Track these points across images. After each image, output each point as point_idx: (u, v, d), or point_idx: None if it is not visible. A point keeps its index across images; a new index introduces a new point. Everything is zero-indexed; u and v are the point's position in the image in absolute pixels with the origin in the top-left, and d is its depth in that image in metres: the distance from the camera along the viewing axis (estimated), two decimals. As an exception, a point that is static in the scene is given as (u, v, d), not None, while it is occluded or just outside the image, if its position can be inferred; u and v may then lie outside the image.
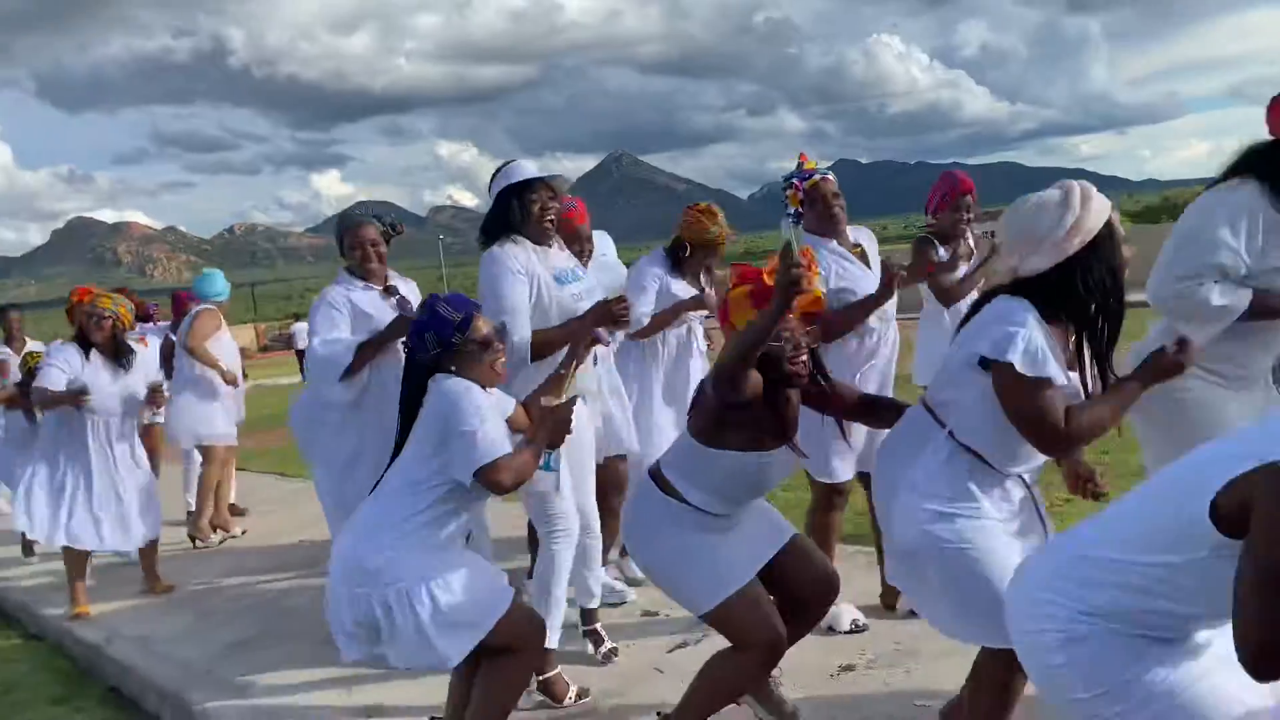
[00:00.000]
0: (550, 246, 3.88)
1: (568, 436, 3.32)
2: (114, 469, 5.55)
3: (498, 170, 3.92)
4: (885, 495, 2.73)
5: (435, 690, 3.77)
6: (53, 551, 7.09)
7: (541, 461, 3.20)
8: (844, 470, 4.07)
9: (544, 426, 3.15)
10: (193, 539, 6.89)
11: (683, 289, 4.74)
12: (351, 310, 4.21)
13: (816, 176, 4.16)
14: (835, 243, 4.10)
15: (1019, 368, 2.43)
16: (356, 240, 4.32)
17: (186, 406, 6.71)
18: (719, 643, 3.84)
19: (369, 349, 4.13)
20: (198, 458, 7.20)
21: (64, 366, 5.35)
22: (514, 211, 3.78)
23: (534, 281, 3.73)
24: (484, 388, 3.11)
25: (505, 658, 3.06)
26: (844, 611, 4.00)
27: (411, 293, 4.43)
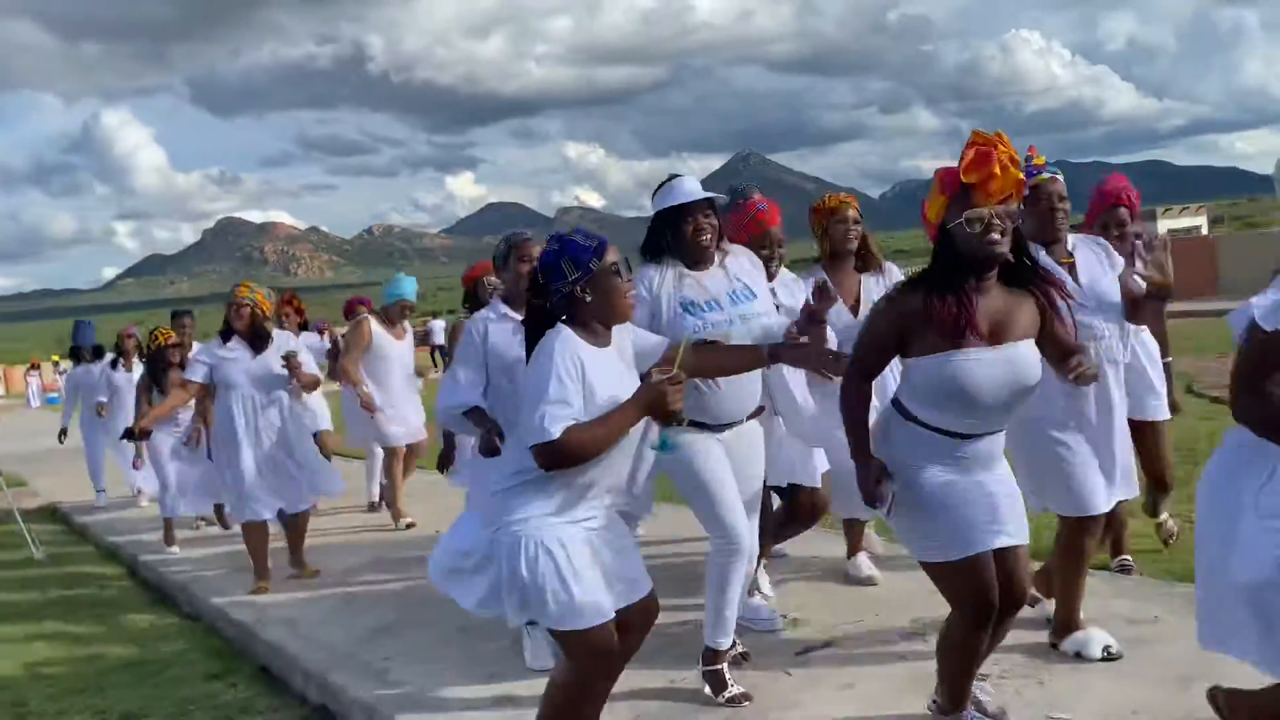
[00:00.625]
0: (707, 268, 3.72)
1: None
2: (269, 438, 5.93)
3: (660, 186, 3.81)
4: (1222, 530, 2.50)
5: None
6: (204, 537, 7.54)
7: (654, 441, 2.96)
8: (1099, 499, 3.70)
9: (639, 399, 2.85)
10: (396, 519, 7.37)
11: (838, 309, 4.29)
12: (485, 346, 4.13)
13: (1045, 174, 3.83)
14: (1045, 252, 3.72)
15: None
16: (524, 255, 4.20)
17: (356, 410, 7.15)
18: (845, 649, 3.81)
19: (477, 420, 4.09)
20: (379, 452, 7.70)
21: (206, 357, 5.94)
22: (665, 236, 3.70)
23: (658, 304, 3.63)
24: (616, 323, 2.99)
25: (569, 664, 2.94)
26: (1094, 638, 3.70)
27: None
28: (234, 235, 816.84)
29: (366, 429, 7.34)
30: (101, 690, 4.71)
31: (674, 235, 3.67)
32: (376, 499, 8.01)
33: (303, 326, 7.93)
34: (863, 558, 4.97)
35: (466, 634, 4.65)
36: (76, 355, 10.14)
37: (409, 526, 7.25)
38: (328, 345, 8.03)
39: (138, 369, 9.24)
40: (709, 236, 3.68)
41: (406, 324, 7.47)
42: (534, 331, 2.96)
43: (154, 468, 7.62)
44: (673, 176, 3.79)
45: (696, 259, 3.69)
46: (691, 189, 3.68)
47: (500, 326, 4.14)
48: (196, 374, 5.93)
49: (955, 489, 2.91)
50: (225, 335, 5.93)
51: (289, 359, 5.80)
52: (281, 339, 6.03)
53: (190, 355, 6.26)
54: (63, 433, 10.37)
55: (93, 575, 7.28)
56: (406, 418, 7.29)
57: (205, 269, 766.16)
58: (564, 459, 2.74)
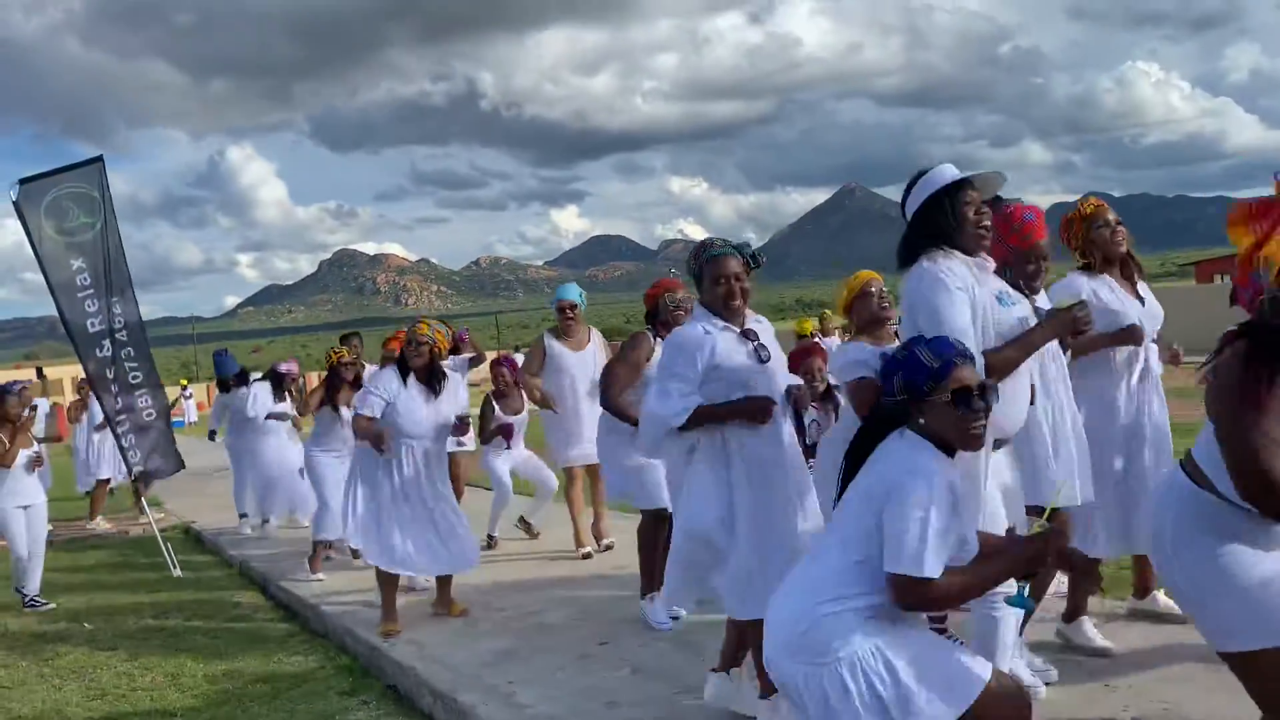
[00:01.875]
0: (984, 259, 3.38)
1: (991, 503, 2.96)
2: (425, 494, 5.70)
3: (914, 181, 3.40)
4: None
5: (719, 712, 3.93)
6: (337, 562, 7.77)
7: (1012, 594, 2.68)
8: None
9: (1015, 554, 2.64)
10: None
11: (1117, 300, 4.13)
12: (706, 354, 3.66)
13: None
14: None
15: None
16: (720, 273, 3.73)
17: (552, 427, 7.10)
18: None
19: (712, 416, 3.64)
20: (508, 485, 7.78)
21: (382, 392, 5.60)
22: (946, 216, 3.27)
23: (973, 301, 3.20)
24: (955, 452, 2.67)
25: None
26: None
27: (768, 335, 3.85)
28: (348, 266, 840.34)
29: (556, 445, 7.14)
30: (241, 702, 4.95)
31: (955, 217, 3.28)
32: (494, 534, 7.93)
33: (452, 352, 8.08)
34: (1087, 624, 4.27)
35: (588, 660, 4.77)
36: (224, 386, 10.45)
37: (586, 556, 7.07)
38: (470, 355, 8.05)
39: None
40: (988, 222, 3.35)
41: (592, 334, 7.16)
42: (871, 426, 2.76)
43: (315, 488, 7.61)
44: (924, 171, 3.42)
45: (973, 247, 3.33)
46: (954, 172, 3.34)
47: (725, 336, 3.71)
48: (372, 408, 5.56)
49: (1256, 560, 2.51)
50: (403, 372, 5.65)
51: (462, 420, 5.69)
52: (454, 384, 5.82)
53: (365, 385, 5.91)
54: (212, 434, 10.68)
55: (228, 593, 7.61)
56: (583, 437, 6.89)
57: (320, 298, 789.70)
58: (927, 602, 2.53)
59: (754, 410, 3.62)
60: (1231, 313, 3.55)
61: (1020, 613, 3.27)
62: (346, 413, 7.29)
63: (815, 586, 2.60)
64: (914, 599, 2.48)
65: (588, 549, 7.15)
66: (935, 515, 2.46)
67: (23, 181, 8.56)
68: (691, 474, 3.73)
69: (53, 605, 7.41)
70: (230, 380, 10.36)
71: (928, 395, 2.62)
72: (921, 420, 2.64)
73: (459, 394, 5.96)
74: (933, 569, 2.45)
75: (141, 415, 8.78)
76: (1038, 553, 2.60)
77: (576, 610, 5.78)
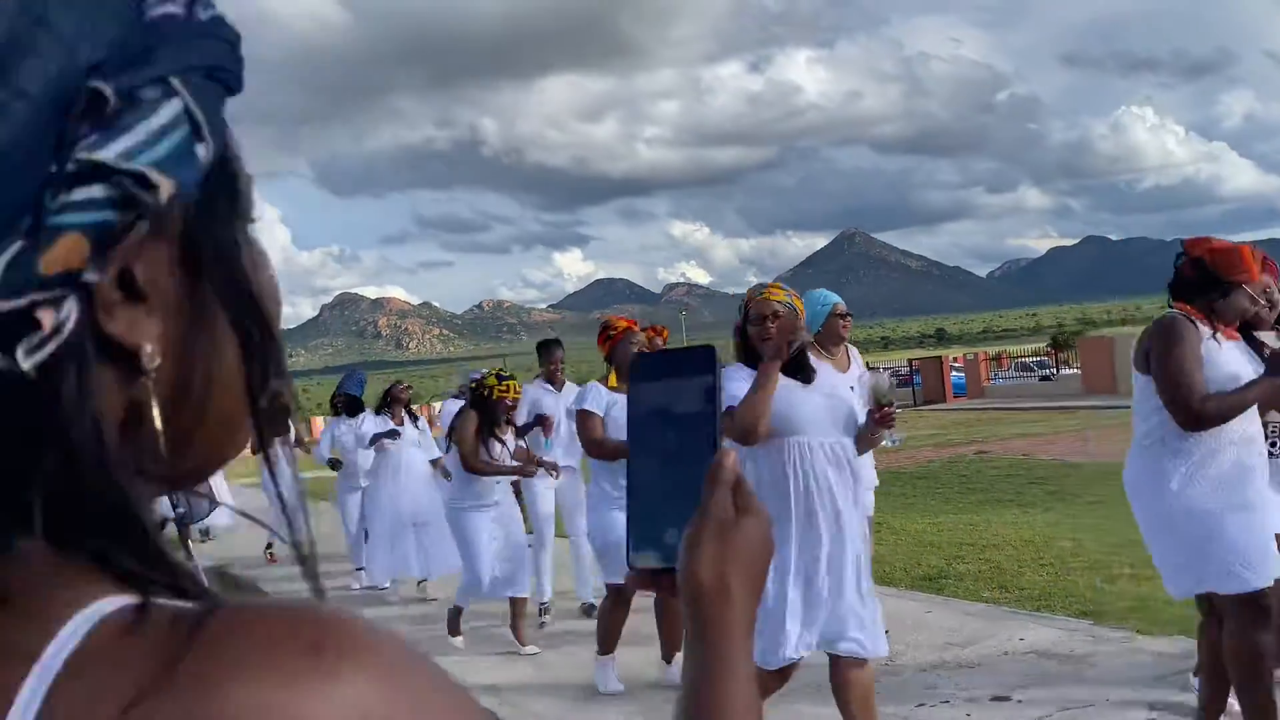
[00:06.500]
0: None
1: None
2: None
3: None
4: None
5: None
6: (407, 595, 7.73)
7: None
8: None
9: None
10: None
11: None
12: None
13: None
14: None
15: None
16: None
17: None
18: None
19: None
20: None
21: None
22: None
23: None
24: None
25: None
26: None
27: None
28: (350, 310, 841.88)
29: None
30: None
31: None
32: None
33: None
34: None
35: (668, 704, 4.80)
36: (335, 408, 8.87)
37: None
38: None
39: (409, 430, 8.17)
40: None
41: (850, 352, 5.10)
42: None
43: (461, 546, 6.26)
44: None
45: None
46: None
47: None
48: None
49: None
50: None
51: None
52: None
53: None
54: (332, 462, 8.81)
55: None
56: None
57: (320, 342, 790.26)
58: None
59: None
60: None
61: None
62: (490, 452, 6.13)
63: None
64: None
65: None
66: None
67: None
68: None
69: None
70: (339, 399, 8.74)
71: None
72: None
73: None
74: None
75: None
76: None
77: (645, 649, 5.70)
